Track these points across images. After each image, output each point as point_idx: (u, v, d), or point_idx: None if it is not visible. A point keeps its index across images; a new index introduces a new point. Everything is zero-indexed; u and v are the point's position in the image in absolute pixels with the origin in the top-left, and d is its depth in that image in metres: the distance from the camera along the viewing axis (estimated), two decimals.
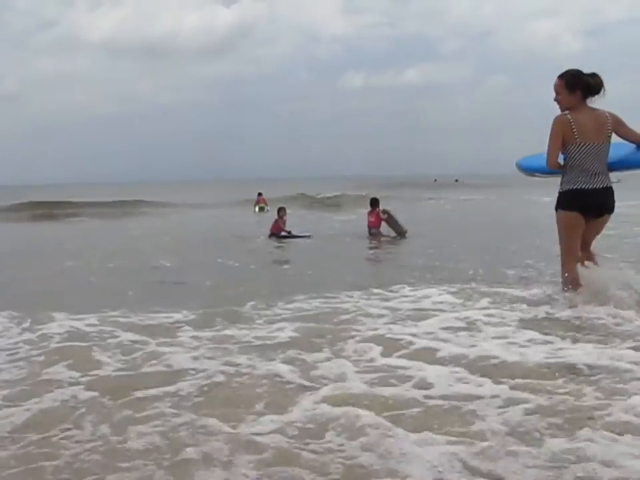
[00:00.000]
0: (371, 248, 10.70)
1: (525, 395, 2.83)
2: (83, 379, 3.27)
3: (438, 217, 18.79)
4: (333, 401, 2.82)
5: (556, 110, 4.71)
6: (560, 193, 4.74)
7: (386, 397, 2.87)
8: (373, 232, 11.92)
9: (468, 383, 3.07)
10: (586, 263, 4.71)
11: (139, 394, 3.02)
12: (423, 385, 3.05)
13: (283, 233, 12.32)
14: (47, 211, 23.43)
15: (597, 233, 4.83)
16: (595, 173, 4.60)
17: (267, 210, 20.79)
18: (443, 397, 2.86)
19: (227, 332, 4.22)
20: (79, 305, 5.25)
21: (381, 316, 4.57)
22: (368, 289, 5.65)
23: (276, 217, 12.77)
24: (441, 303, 4.96)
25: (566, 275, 4.70)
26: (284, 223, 12.61)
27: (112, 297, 5.72)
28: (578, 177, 4.61)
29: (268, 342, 3.95)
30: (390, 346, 3.72)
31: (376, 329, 4.15)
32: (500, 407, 2.71)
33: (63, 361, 3.60)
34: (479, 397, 2.83)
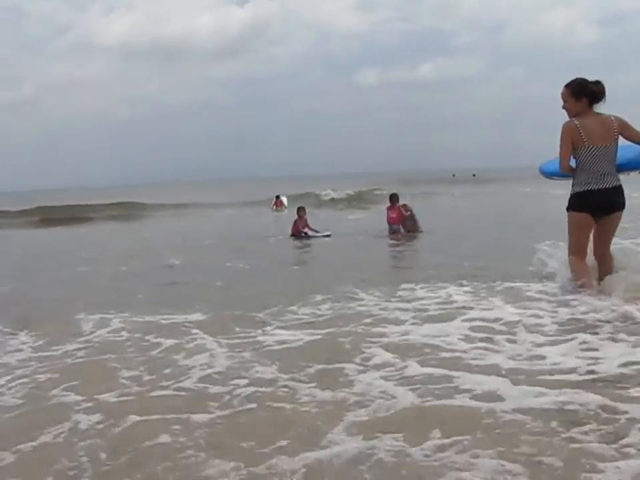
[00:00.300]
0: (392, 246, 10.39)
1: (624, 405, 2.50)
2: (87, 404, 3.00)
3: (458, 213, 18.44)
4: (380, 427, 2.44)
5: (565, 116, 4.94)
6: (571, 194, 4.95)
7: (453, 414, 2.52)
8: (395, 228, 11.54)
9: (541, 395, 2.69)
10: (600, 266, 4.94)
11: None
12: (488, 397, 2.68)
13: (306, 232, 12.14)
14: (63, 214, 23.47)
15: (613, 232, 4.95)
16: (604, 174, 4.82)
17: (285, 210, 21.24)
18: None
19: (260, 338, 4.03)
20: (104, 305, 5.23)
21: (408, 319, 4.32)
22: (392, 287, 5.43)
23: (295, 217, 12.58)
24: (464, 301, 4.76)
25: (576, 270, 4.88)
26: (304, 222, 12.43)
27: (133, 298, 5.66)
28: (588, 179, 4.84)
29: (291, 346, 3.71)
30: (423, 353, 3.46)
31: (405, 334, 3.88)
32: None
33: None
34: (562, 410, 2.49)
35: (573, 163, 4.91)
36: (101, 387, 3.17)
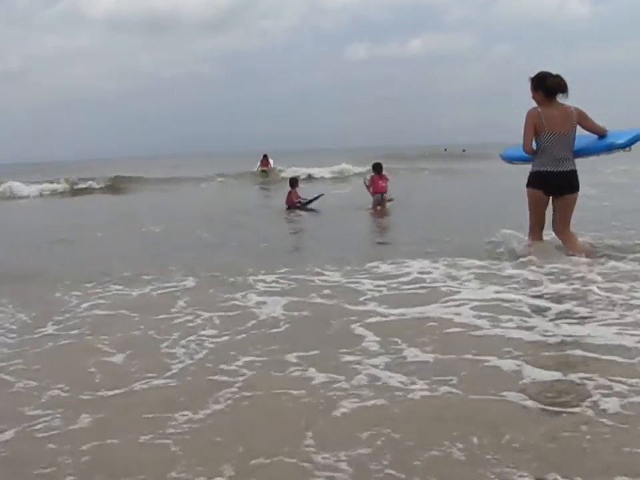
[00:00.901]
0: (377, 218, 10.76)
1: None
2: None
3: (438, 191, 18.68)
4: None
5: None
6: (530, 173, 5.57)
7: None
8: (380, 197, 11.68)
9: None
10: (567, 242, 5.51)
11: None
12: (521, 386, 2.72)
13: (299, 201, 12.38)
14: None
15: (570, 211, 5.51)
16: (561, 158, 5.39)
17: (268, 175, 22.45)
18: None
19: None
20: None
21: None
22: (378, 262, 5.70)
23: (289, 189, 12.80)
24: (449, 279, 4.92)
25: (531, 238, 5.59)
26: (296, 194, 12.62)
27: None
28: (546, 161, 5.42)
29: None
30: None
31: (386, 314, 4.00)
32: None
33: None
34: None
35: (534, 145, 5.47)
36: None
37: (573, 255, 5.28)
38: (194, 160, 63.35)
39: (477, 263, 5.39)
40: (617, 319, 3.59)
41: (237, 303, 4.45)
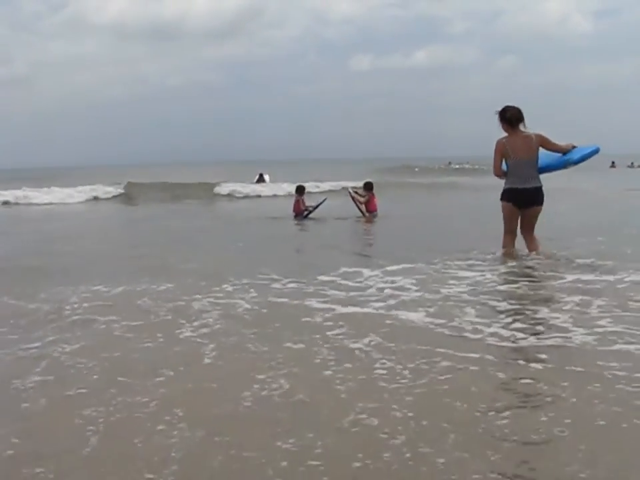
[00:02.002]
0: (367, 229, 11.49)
1: None
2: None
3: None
4: None
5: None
6: (503, 189, 6.65)
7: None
8: (375, 214, 12.26)
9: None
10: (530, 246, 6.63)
11: None
12: None
13: (306, 209, 12.53)
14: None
15: (534, 221, 6.61)
16: (527, 177, 6.47)
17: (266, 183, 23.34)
18: None
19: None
20: None
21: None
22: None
23: (295, 196, 12.89)
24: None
25: (504, 245, 6.70)
26: (303, 201, 12.71)
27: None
28: (514, 180, 6.52)
29: None
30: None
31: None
32: None
33: None
34: None
35: (505, 167, 6.61)
36: None
37: (532, 252, 6.52)
38: (201, 166, 63.66)
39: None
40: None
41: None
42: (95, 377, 3.38)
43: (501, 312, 4.52)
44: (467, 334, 3.95)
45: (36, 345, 3.94)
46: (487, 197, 11.42)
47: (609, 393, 2.94)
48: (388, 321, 4.28)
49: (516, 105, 6.51)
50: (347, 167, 39.81)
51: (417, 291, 5.18)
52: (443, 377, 3.21)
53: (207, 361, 3.60)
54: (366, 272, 6.02)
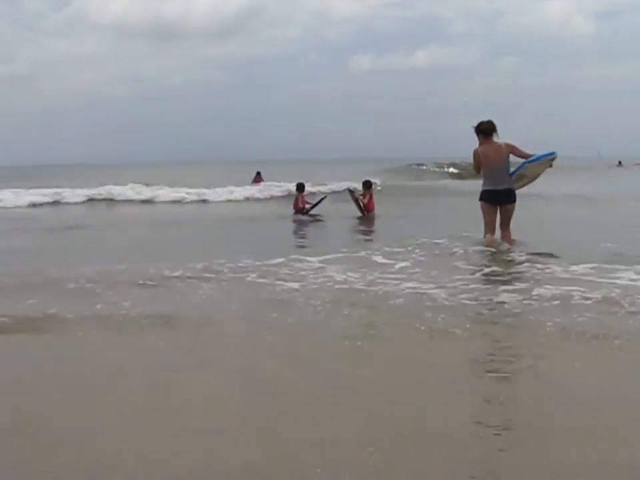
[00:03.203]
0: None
1: None
2: None
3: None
4: None
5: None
6: (481, 191, 7.79)
7: None
8: (372, 215, 12.36)
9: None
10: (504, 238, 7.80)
11: None
12: None
13: (306, 206, 12.75)
14: None
15: (510, 217, 7.76)
16: (499, 181, 7.64)
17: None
18: None
19: None
20: None
21: None
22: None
23: (296, 194, 13.07)
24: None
25: (485, 236, 7.80)
26: (304, 198, 12.92)
27: None
28: (489, 182, 7.70)
29: None
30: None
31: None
32: None
33: None
34: None
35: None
36: None
37: (505, 244, 7.62)
38: (201, 166, 63.86)
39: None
40: None
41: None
42: None
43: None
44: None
45: None
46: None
47: None
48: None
49: (490, 119, 7.65)
50: (347, 167, 39.88)
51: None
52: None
53: None
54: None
